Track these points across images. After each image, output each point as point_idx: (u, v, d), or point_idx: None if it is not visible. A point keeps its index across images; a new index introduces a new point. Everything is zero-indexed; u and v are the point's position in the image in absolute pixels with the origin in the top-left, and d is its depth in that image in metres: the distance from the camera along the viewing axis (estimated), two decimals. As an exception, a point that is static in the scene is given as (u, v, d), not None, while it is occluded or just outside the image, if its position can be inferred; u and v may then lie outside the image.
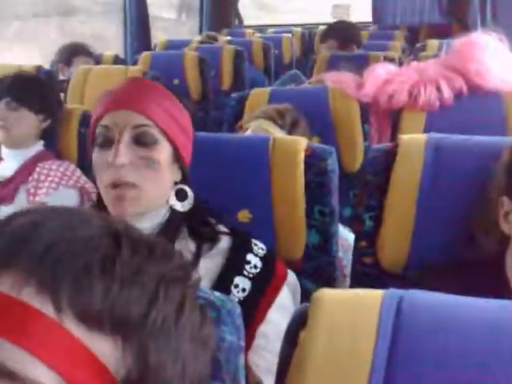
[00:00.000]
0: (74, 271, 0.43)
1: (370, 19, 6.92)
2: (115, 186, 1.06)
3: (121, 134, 1.07)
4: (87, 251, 0.44)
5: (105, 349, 0.43)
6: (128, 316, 0.44)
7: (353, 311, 0.65)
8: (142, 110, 1.08)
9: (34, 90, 1.89)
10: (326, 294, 0.67)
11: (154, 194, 1.09)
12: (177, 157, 1.12)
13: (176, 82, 3.15)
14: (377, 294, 0.66)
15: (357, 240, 1.27)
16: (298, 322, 0.68)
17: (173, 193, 1.13)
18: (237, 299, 1.07)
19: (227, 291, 1.07)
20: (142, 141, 1.07)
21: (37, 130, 1.90)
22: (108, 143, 1.07)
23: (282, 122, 1.67)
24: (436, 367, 0.60)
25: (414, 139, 1.22)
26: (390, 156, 1.21)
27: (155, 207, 1.11)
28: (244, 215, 1.32)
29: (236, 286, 1.09)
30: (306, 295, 1.18)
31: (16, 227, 0.45)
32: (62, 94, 2.40)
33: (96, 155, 1.09)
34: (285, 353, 0.69)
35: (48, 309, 0.42)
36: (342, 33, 3.42)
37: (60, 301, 0.42)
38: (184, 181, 1.15)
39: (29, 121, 1.87)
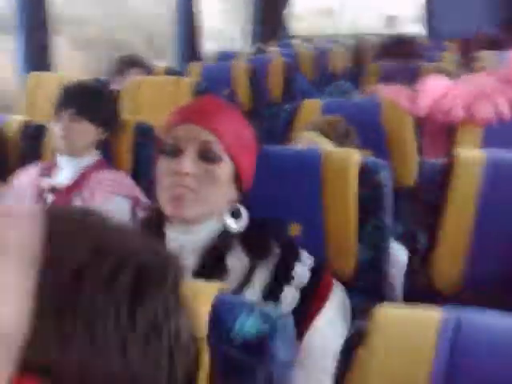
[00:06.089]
0: None
1: (417, 30, 6.86)
2: (176, 186, 1.11)
3: (188, 146, 1.12)
4: None
5: None
6: None
7: (411, 330, 0.64)
8: (209, 127, 1.13)
9: (98, 104, 1.92)
10: (385, 311, 0.66)
11: (210, 203, 1.13)
12: (236, 177, 1.15)
13: (226, 92, 3.18)
14: (435, 312, 0.65)
15: (410, 259, 1.25)
16: (356, 339, 0.68)
17: (228, 211, 1.15)
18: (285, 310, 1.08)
19: (277, 300, 1.10)
20: (206, 156, 1.13)
21: (95, 141, 1.93)
22: (175, 153, 1.13)
23: (333, 134, 1.66)
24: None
25: (471, 154, 1.19)
26: (446, 172, 1.19)
27: (209, 219, 1.14)
28: (295, 228, 1.32)
29: (285, 296, 1.10)
30: (356, 311, 1.17)
31: None
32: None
33: (162, 162, 1.14)
34: (341, 368, 0.69)
35: None
36: (402, 49, 3.46)
37: None
38: (240, 201, 1.17)
39: (90, 133, 1.90)
